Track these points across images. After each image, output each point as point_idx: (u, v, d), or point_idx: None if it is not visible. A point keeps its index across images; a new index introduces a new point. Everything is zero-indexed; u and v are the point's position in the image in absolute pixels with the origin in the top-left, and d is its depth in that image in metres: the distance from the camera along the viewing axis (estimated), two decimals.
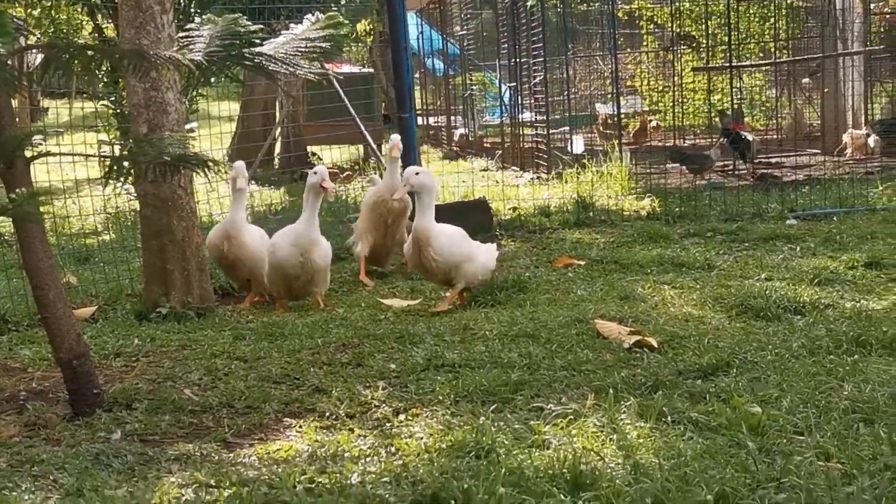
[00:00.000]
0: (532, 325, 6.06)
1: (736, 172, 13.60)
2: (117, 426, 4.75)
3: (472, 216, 9.47)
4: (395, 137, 8.65)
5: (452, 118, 21.21)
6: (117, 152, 11.74)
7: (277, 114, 16.55)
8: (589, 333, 5.83)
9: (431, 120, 23.13)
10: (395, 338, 6.05)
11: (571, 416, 4.38)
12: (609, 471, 3.74)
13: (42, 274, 4.93)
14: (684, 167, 13.05)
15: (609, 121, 17.99)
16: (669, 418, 4.31)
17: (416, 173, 7.20)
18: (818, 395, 4.41)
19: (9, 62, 4.13)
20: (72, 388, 5.05)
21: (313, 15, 5.89)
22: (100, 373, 5.29)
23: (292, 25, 5.83)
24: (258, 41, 5.53)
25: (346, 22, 5.82)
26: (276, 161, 17.13)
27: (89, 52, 5.18)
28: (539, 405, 4.64)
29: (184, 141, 5.68)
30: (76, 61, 5.10)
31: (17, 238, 4.97)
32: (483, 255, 7.18)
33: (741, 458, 3.80)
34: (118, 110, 11.70)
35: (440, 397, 4.90)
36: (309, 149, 17.26)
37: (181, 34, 5.51)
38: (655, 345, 5.47)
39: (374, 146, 15.70)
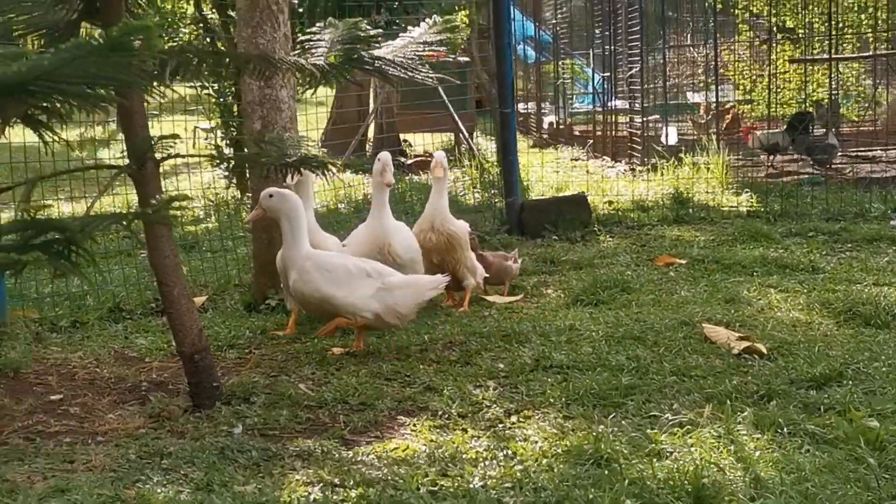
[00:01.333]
0: (638, 326, 6.11)
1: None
2: (238, 420, 4.91)
3: (571, 211, 9.51)
4: (440, 155, 7.36)
5: (542, 106, 21.17)
6: (222, 143, 12.06)
7: (371, 100, 16.68)
8: (696, 337, 5.86)
9: (521, 107, 23.11)
10: (501, 336, 6.13)
11: (688, 426, 4.43)
12: (730, 484, 3.79)
13: (168, 271, 5.10)
14: (809, 158, 13.03)
15: (711, 109, 17.87)
16: (785, 430, 4.34)
17: (270, 195, 6.08)
18: None
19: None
20: (192, 382, 5.21)
21: (431, 18, 5.97)
22: (216, 364, 5.45)
23: (410, 28, 5.92)
24: (377, 44, 5.64)
25: (462, 24, 5.89)
26: (369, 147, 17.26)
27: (218, 56, 5.34)
28: (652, 412, 4.69)
29: (302, 141, 5.81)
30: (205, 65, 5.26)
31: (144, 235, 5.13)
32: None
33: (861, 473, 3.83)
34: (221, 99, 11.91)
35: (551, 399, 4.98)
36: (401, 136, 17.38)
37: (303, 38, 5.64)
38: (764, 351, 5.49)
39: (467, 134, 15.78)
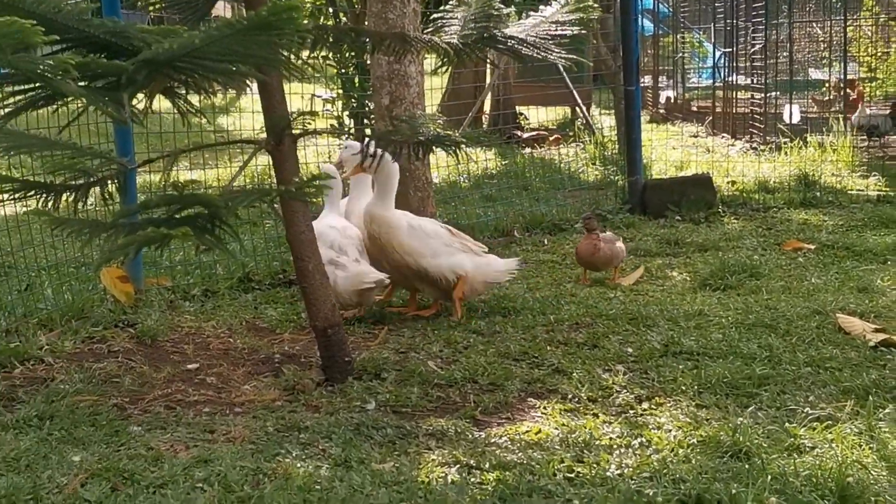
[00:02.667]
0: (768, 314, 6.03)
1: None
2: (370, 396, 4.96)
3: (695, 191, 9.40)
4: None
5: (659, 80, 20.93)
6: (343, 115, 12.15)
7: (488, 72, 16.67)
8: (829, 327, 5.76)
9: None
10: (628, 319, 6.10)
11: (827, 421, 4.37)
12: (874, 484, 3.73)
13: (304, 246, 5.17)
14: None
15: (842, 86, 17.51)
16: None
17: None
18: None
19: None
20: (325, 356, 5.29)
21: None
22: (347, 339, 5.51)
23: (542, 7, 5.88)
24: (510, 23, 5.63)
25: (596, 5, 5.84)
26: (486, 120, 17.27)
27: (355, 34, 5.38)
28: (788, 404, 4.63)
29: (434, 120, 5.83)
30: (341, 42, 5.31)
31: (280, 210, 5.21)
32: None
33: None
34: (342, 70, 12.00)
35: (682, 387, 4.94)
36: (517, 108, 17.35)
37: (436, 15, 5.65)
38: None
39: (584, 107, 15.69)
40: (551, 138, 15.09)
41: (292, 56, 4.45)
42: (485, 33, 5.46)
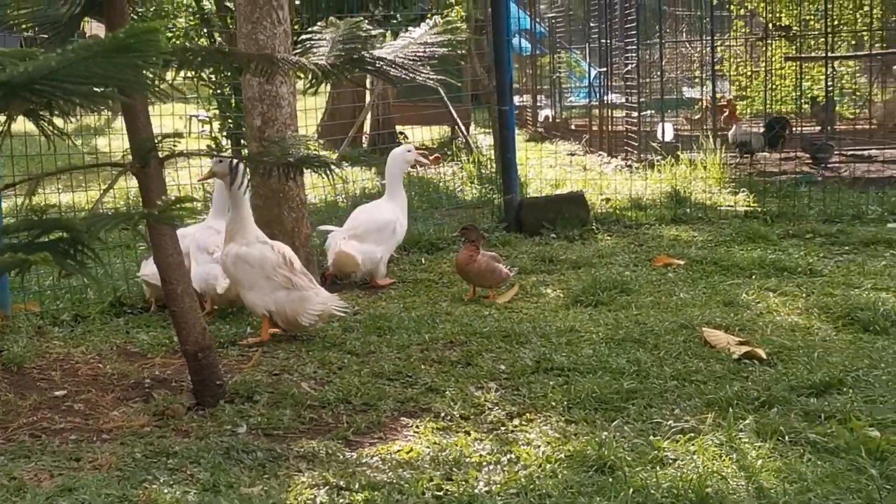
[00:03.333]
0: (638, 329, 6.14)
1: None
2: (242, 419, 4.93)
3: (569, 209, 9.53)
4: None
5: (537, 99, 21.18)
6: (220, 135, 12.04)
7: (367, 92, 16.68)
8: (695, 341, 5.90)
9: (517, 100, 23.11)
10: (502, 336, 6.16)
11: (690, 433, 4.47)
12: (733, 494, 3.83)
13: (171, 269, 5.12)
14: (809, 156, 13.16)
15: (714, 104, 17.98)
16: (787, 438, 4.37)
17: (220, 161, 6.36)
18: None
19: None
20: (196, 380, 5.24)
21: (431, 18, 5.99)
22: (219, 362, 5.46)
23: (411, 28, 5.93)
24: (378, 45, 5.65)
25: (463, 27, 5.91)
26: (365, 139, 17.28)
27: (221, 56, 5.35)
28: (654, 417, 4.73)
29: (305, 141, 5.83)
30: (208, 64, 5.27)
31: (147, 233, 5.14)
32: None
33: (863, 484, 3.86)
34: (218, 91, 11.90)
35: (552, 402, 5.01)
36: (398, 128, 17.38)
37: (304, 37, 5.65)
38: (764, 356, 5.52)
39: (463, 126, 15.79)
40: (431, 157, 15.13)
41: (156, 78, 4.40)
42: (353, 54, 5.47)
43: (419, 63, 5.57)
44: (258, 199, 7.26)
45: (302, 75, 5.66)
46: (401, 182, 8.29)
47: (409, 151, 8.31)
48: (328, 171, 5.57)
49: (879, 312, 6.20)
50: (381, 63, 5.50)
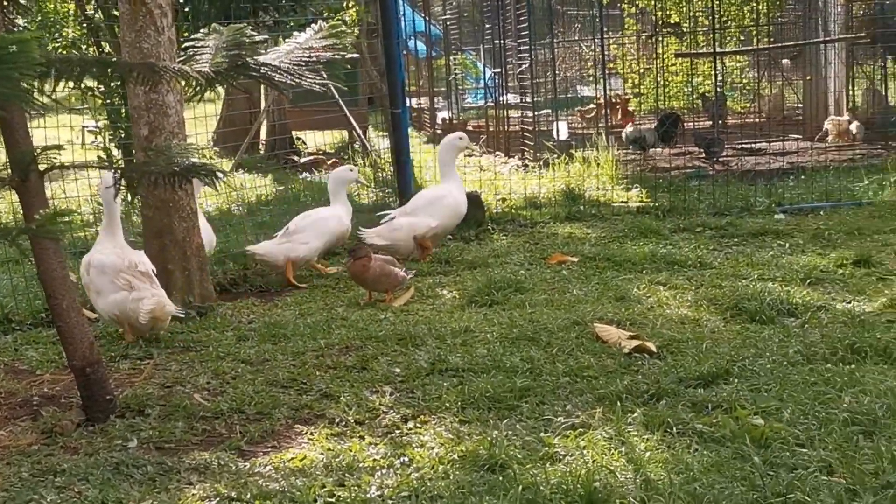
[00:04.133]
0: (532, 327, 6.19)
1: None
2: (132, 434, 4.87)
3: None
4: None
5: (435, 101, 21.23)
6: (110, 145, 11.86)
7: (262, 98, 16.57)
8: (588, 337, 5.96)
9: (414, 102, 23.16)
10: (398, 340, 6.17)
11: (580, 428, 4.52)
12: (621, 486, 3.88)
13: (56, 283, 5.03)
14: (703, 151, 13.37)
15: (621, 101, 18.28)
16: (675, 429, 4.44)
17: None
18: (818, 407, 4.55)
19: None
20: (85, 395, 5.15)
21: (316, 23, 5.96)
22: (109, 376, 5.38)
23: (296, 34, 5.90)
24: (263, 51, 5.62)
25: (350, 31, 5.90)
26: (262, 146, 17.16)
27: (101, 65, 5.27)
28: (546, 414, 4.77)
29: (191, 149, 5.77)
30: (88, 74, 5.19)
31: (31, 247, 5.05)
32: None
33: (747, 471, 3.94)
34: (108, 101, 11.71)
35: (447, 404, 5.03)
36: (294, 134, 17.29)
37: (186, 44, 5.59)
38: (654, 349, 5.61)
39: (360, 131, 15.76)
40: (329, 162, 15.10)
41: (33, 90, 4.33)
42: (237, 61, 5.42)
43: (305, 68, 5.54)
44: (148, 209, 7.18)
45: (185, 83, 5.60)
46: (454, 166, 9.06)
47: (460, 138, 9.03)
48: (215, 180, 5.51)
49: (765, 302, 6.33)
50: (266, 69, 5.47)
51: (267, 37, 5.91)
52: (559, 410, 4.82)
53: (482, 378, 5.33)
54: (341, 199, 8.59)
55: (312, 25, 5.96)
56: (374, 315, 6.88)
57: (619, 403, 4.74)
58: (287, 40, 5.82)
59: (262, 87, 16.53)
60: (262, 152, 16.76)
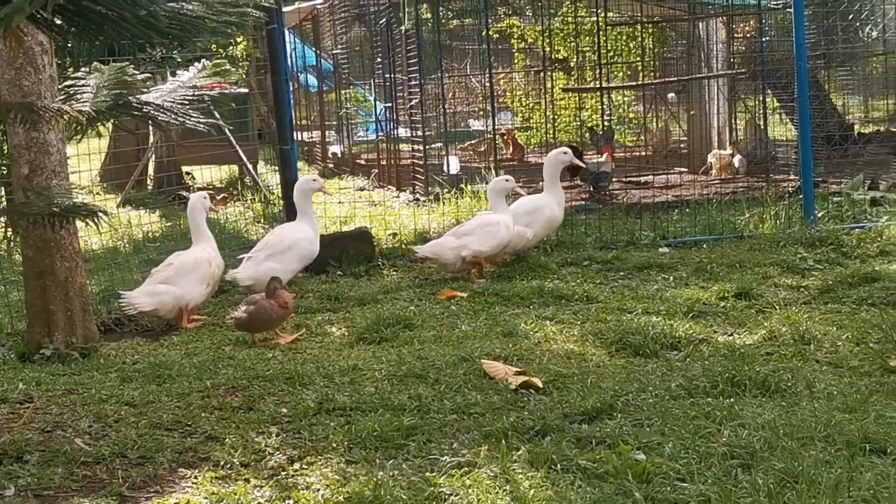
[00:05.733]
0: (420, 364, 6.19)
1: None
2: (9, 481, 4.75)
3: (354, 246, 9.56)
4: None
5: (327, 135, 21.22)
6: None
7: (151, 133, 16.36)
8: (476, 373, 5.98)
9: (305, 136, 23.13)
10: (285, 379, 6.11)
11: (466, 467, 4.53)
12: None
13: None
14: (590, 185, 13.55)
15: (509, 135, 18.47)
16: (559, 466, 4.48)
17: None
18: (698, 441, 4.62)
19: None
20: None
21: (199, 62, 5.93)
22: None
23: (179, 72, 5.86)
24: (146, 89, 5.56)
25: (233, 69, 5.89)
26: (150, 182, 16.93)
27: None
28: (433, 453, 4.77)
29: (70, 189, 5.68)
30: None
31: None
32: None
33: None
34: None
35: (333, 444, 5.00)
36: (184, 169, 17.10)
37: (67, 83, 5.51)
38: (540, 385, 5.65)
39: (250, 165, 15.67)
40: (219, 197, 14.96)
41: None
42: (119, 100, 5.36)
43: (189, 106, 5.50)
44: (28, 249, 7.03)
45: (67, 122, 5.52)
46: (557, 179, 9.61)
47: (564, 153, 9.69)
48: (96, 220, 5.42)
49: (649, 336, 6.44)
50: (149, 108, 5.41)
51: (150, 74, 5.82)
52: (446, 449, 4.83)
53: (369, 417, 5.31)
54: (504, 207, 9.14)
55: (196, 63, 5.93)
56: (262, 354, 6.82)
57: (504, 441, 4.76)
58: (170, 79, 5.77)
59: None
60: (150, 188, 16.53)
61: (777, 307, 7.24)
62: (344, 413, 5.46)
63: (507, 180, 9.39)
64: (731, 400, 5.20)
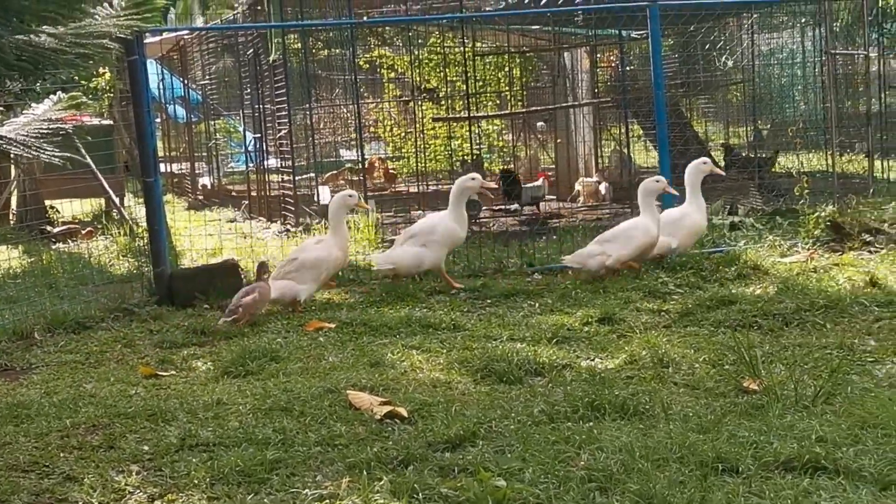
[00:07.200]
0: (285, 397, 6.16)
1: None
2: None
3: (221, 278, 9.45)
4: None
5: (196, 166, 20.99)
6: None
7: (12, 167, 15.97)
8: (341, 404, 5.97)
9: (175, 168, 22.85)
10: (148, 415, 6.02)
11: (329, 499, 4.51)
12: None
13: None
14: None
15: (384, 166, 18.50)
16: (421, 495, 4.50)
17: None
18: (558, 465, 4.69)
19: None
20: None
21: (55, 94, 5.86)
22: None
23: (34, 105, 5.77)
24: None
25: (90, 102, 5.81)
26: (12, 217, 16.50)
27: None
28: (297, 486, 4.75)
29: None
30: None
31: None
32: None
33: None
34: None
35: (195, 480, 4.94)
36: (47, 203, 16.71)
37: None
38: (405, 414, 5.67)
39: (116, 198, 15.40)
40: (84, 231, 14.68)
41: None
42: None
43: (44, 140, 5.42)
44: None
45: None
46: (699, 189, 9.83)
47: (703, 163, 9.94)
48: None
49: (514, 363, 6.51)
50: (2, 142, 5.32)
51: (2, 108, 5.73)
52: (309, 482, 4.82)
53: (233, 452, 5.25)
54: (651, 210, 9.42)
55: (51, 96, 5.86)
56: (125, 391, 6.69)
57: (367, 472, 4.76)
58: (23, 112, 5.68)
59: (12, 155, 15.96)
60: (11, 223, 16.11)
61: (638, 331, 7.38)
62: (207, 449, 5.40)
63: (657, 181, 9.60)
64: (591, 424, 5.29)
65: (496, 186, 10.69)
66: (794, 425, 5.06)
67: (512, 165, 17.36)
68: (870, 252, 9.74)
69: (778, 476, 4.51)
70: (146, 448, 5.48)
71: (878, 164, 14.50)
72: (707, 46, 16.18)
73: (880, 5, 14.85)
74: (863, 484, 4.37)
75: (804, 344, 6.77)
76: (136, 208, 15.92)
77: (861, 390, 5.67)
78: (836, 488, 4.35)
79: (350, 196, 9.39)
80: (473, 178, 9.82)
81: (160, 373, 7.14)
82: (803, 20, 16.18)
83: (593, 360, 6.75)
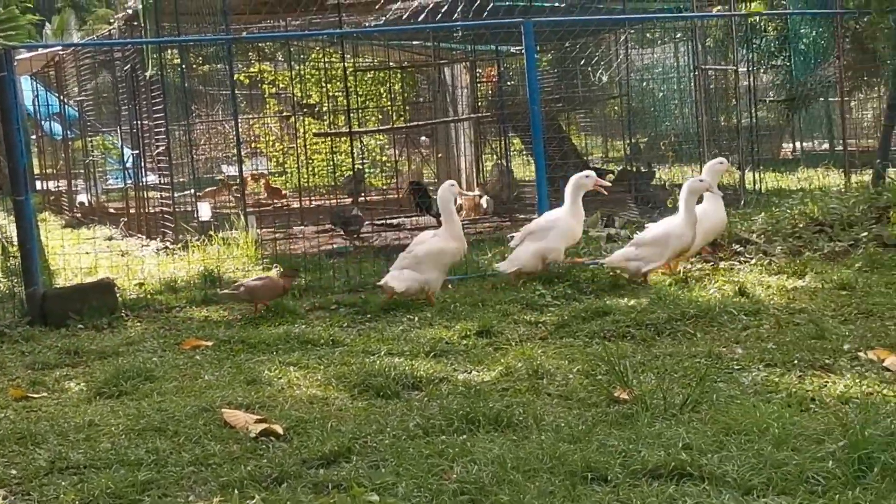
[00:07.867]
0: (159, 416, 6.07)
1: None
2: None
3: (96, 297, 9.29)
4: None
5: (73, 183, 20.60)
6: None
7: None
8: (216, 423, 5.91)
9: (52, 185, 22.38)
10: (17, 439, 5.89)
11: None
12: None
13: None
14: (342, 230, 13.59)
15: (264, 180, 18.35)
16: None
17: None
18: (431, 479, 4.71)
19: None
20: None
21: None
22: None
23: None
24: None
25: None
26: None
27: None
28: None
29: None
30: None
31: None
32: None
33: None
34: None
35: None
36: None
37: None
38: (281, 431, 5.64)
39: None
40: None
41: None
42: None
43: None
44: None
45: None
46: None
47: (586, 177, 9.94)
48: None
49: (391, 377, 6.52)
50: None
51: None
52: (181, 502, 4.76)
53: (104, 474, 5.16)
54: (690, 211, 9.40)
55: None
56: None
57: (239, 490, 4.73)
58: None
59: None
60: None
61: (514, 343, 7.46)
62: (77, 471, 5.31)
63: (701, 181, 9.63)
64: (465, 437, 5.33)
65: (610, 185, 10.81)
66: (662, 433, 5.17)
67: (395, 180, 17.45)
68: (740, 262, 9.99)
69: (645, 484, 4.60)
70: (14, 472, 5.36)
71: (748, 175, 14.87)
72: (583, 62, 16.45)
73: (749, 22, 15.25)
74: (726, 489, 4.48)
75: (675, 353, 6.91)
76: (8, 227, 15.54)
77: (727, 397, 5.81)
78: (701, 494, 4.45)
79: (452, 185, 9.70)
80: (588, 176, 9.98)
81: (31, 395, 6.99)
82: (678, 35, 16.57)
83: (470, 373, 6.81)
